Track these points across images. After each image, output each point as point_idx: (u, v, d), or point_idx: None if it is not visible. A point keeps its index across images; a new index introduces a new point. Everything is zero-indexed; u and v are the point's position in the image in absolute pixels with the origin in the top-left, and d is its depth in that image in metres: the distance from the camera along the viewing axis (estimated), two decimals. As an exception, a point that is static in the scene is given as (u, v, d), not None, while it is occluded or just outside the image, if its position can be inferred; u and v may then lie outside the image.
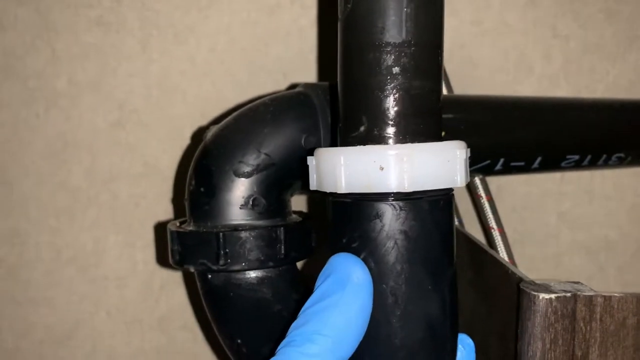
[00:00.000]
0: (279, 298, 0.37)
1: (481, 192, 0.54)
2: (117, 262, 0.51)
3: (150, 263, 0.52)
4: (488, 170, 0.48)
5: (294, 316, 0.36)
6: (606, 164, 0.53)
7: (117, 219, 0.51)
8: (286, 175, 0.38)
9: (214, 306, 0.38)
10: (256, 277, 0.37)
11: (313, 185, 0.32)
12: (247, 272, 0.36)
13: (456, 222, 0.52)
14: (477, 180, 0.53)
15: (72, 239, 0.51)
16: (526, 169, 0.50)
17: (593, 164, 0.52)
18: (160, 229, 0.51)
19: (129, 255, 0.51)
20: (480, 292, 0.39)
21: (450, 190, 0.31)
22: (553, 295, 0.31)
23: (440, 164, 0.29)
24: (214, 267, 0.36)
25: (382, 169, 0.28)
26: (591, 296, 0.31)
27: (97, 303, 0.51)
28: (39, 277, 0.51)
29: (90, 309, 0.51)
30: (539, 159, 0.49)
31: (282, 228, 0.37)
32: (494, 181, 0.56)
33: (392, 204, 0.29)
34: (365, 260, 0.29)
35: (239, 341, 0.37)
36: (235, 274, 0.36)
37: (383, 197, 0.29)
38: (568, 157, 0.51)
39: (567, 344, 0.31)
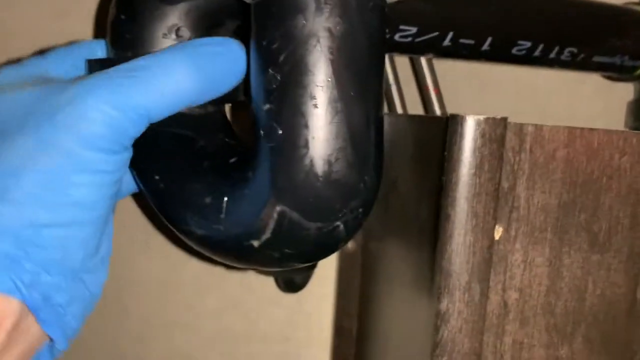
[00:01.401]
0: (203, 136, 0.35)
1: (429, 82, 0.53)
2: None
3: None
4: (436, 46, 0.47)
5: (217, 154, 0.34)
6: (559, 60, 0.52)
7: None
8: (217, 9, 0.36)
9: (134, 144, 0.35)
10: (178, 112, 0.35)
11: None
12: (168, 104, 0.34)
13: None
14: (423, 63, 0.52)
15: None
16: (476, 51, 0.48)
17: (545, 57, 0.51)
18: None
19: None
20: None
21: None
22: (481, 117, 0.29)
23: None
24: (132, 95, 0.33)
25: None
26: (521, 124, 0.30)
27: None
28: None
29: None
30: (489, 40, 0.48)
31: (207, 61, 0.34)
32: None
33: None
34: (285, 62, 0.27)
35: (157, 177, 0.35)
36: (155, 106, 0.34)
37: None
38: (519, 42, 0.49)
39: (494, 171, 0.29)
